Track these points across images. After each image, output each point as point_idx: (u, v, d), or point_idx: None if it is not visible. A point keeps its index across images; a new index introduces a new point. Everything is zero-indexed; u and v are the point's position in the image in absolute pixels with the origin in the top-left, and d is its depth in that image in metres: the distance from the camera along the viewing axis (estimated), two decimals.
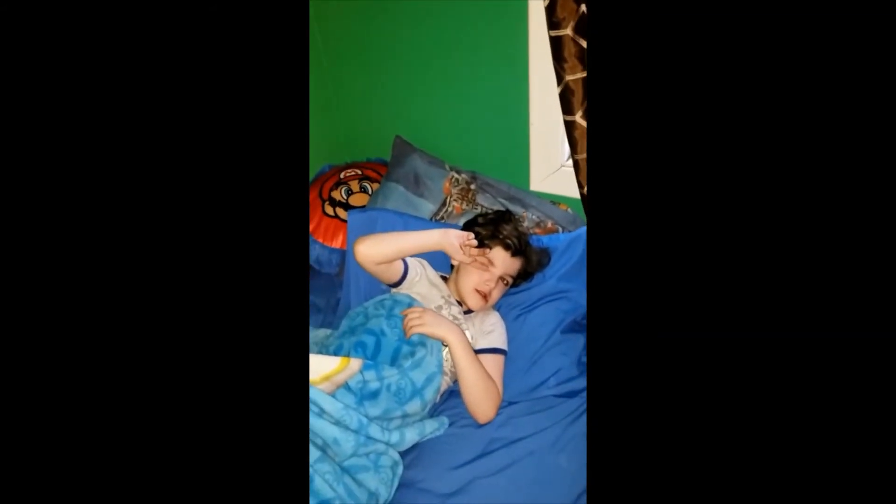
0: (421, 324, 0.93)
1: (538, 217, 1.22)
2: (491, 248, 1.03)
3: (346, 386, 0.85)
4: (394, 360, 0.92)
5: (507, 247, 1.03)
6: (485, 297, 1.01)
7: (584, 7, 0.78)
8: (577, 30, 0.80)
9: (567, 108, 0.86)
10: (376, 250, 0.98)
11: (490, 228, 1.06)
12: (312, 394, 0.79)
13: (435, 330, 0.93)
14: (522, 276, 1.08)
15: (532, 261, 1.07)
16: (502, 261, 1.02)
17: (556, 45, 0.82)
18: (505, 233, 1.04)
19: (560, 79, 0.84)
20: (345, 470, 0.81)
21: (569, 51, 0.81)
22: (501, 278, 1.02)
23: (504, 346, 1.01)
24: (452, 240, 0.98)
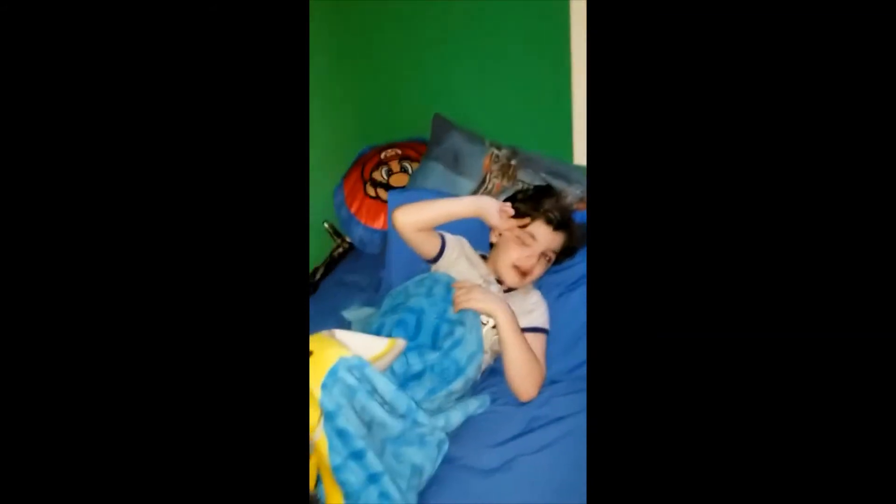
0: (469, 299, 0.93)
1: (583, 192, 1.18)
2: (532, 223, 1.01)
3: (390, 369, 0.87)
4: (434, 339, 0.93)
5: (548, 221, 1.01)
6: (524, 273, 0.99)
7: None
8: None
9: None
10: (415, 216, 1.00)
11: (531, 203, 1.04)
12: (367, 372, 0.80)
13: (483, 305, 0.93)
14: (565, 253, 1.05)
15: (575, 236, 1.04)
16: (544, 235, 1.00)
17: None
18: (546, 206, 1.02)
19: None
20: (388, 444, 0.83)
21: None
22: (543, 254, 1.00)
23: (546, 326, 1.00)
24: (488, 204, 0.99)
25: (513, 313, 0.94)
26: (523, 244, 1.00)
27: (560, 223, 1.01)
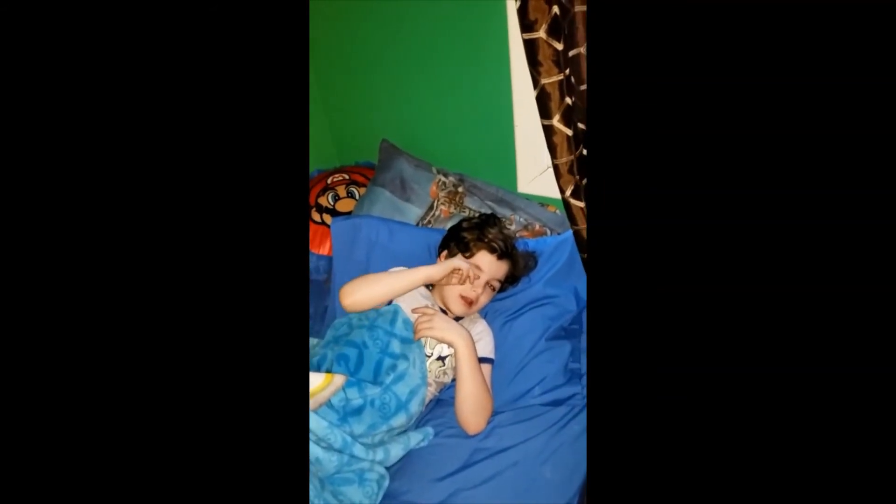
0: (430, 327, 0.92)
1: (526, 220, 1.20)
2: (475, 253, 1.02)
3: (328, 403, 0.85)
4: (376, 373, 0.91)
5: (492, 250, 1.02)
6: (470, 303, 0.99)
7: (556, 8, 0.75)
8: (550, 32, 0.77)
9: (544, 112, 0.84)
10: (363, 299, 0.95)
11: (475, 232, 1.04)
12: None
13: (445, 334, 0.92)
14: (509, 281, 1.06)
15: (519, 264, 1.05)
16: (488, 265, 1.01)
17: (531, 48, 0.79)
18: (490, 236, 1.03)
19: (536, 83, 0.82)
20: (327, 484, 0.81)
21: (543, 54, 0.79)
22: (488, 283, 1.01)
23: (492, 355, 1.00)
24: (436, 272, 0.97)
25: (473, 344, 0.93)
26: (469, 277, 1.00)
27: (504, 252, 1.02)
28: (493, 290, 1.03)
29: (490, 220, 1.08)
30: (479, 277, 0.99)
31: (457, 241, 1.06)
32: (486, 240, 1.02)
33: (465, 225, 1.09)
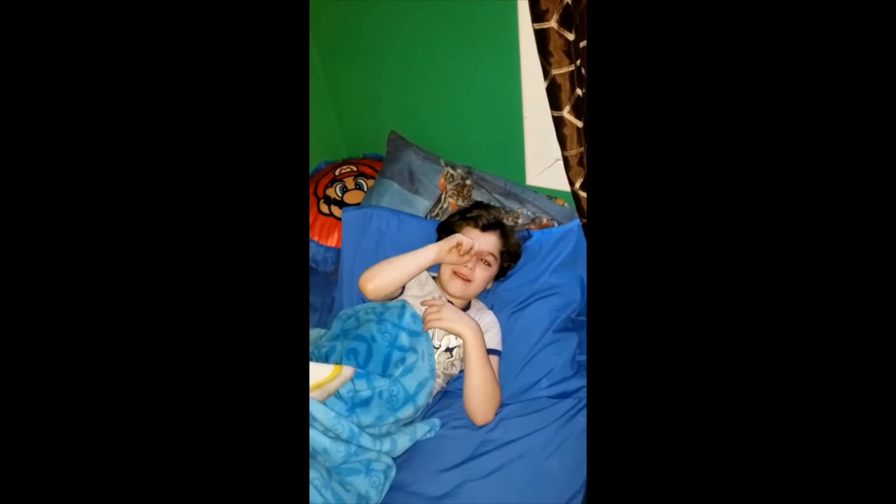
0: (439, 318, 0.93)
1: (533, 212, 1.19)
2: (460, 231, 1.03)
3: (336, 394, 0.85)
4: (385, 367, 0.91)
5: (475, 224, 1.03)
6: (465, 280, 0.99)
7: None
8: (561, 22, 0.76)
9: (555, 103, 0.83)
10: (385, 284, 0.95)
11: (459, 213, 1.08)
12: None
13: (453, 325, 0.93)
14: (507, 259, 1.07)
15: (508, 235, 1.06)
16: (475, 238, 1.00)
17: (541, 38, 0.78)
18: (474, 213, 1.05)
19: (546, 73, 0.81)
20: (334, 474, 0.81)
21: (554, 44, 0.78)
22: (479, 257, 1.01)
23: (499, 347, 1.00)
24: (443, 248, 0.97)
25: (482, 335, 0.94)
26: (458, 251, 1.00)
27: (487, 224, 1.03)
28: (489, 265, 1.02)
29: (479, 203, 1.11)
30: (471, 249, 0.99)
31: (444, 227, 1.08)
32: (468, 216, 1.05)
33: (454, 213, 1.11)
